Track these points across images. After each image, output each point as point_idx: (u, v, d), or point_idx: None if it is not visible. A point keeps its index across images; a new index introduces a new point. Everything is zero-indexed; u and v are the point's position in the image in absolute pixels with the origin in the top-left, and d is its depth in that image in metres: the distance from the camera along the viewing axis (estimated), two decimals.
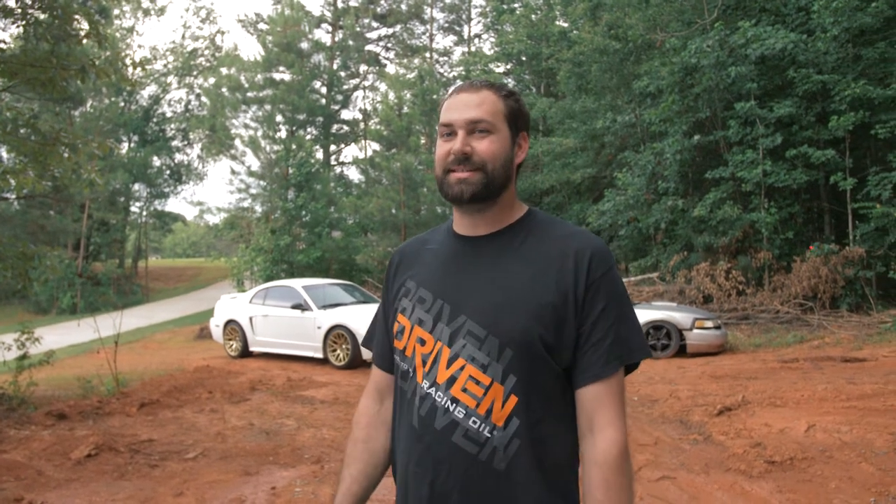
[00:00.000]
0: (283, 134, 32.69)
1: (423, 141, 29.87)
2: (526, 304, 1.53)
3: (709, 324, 11.92)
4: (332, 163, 37.35)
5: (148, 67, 38.04)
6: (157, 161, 40.15)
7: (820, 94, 15.39)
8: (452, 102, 1.64)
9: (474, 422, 1.52)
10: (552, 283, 1.54)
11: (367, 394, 1.87)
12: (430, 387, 1.58)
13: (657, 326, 11.93)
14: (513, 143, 1.65)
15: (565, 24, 23.61)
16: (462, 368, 1.54)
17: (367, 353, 11.72)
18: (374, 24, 38.57)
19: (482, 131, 1.60)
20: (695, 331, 11.81)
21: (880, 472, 5.26)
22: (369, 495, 1.78)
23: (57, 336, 17.82)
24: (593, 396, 1.52)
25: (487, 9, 33.81)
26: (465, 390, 1.53)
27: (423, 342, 1.61)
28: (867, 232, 14.50)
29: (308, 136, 33.32)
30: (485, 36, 37.29)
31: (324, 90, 36.09)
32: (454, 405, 1.54)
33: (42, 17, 8.43)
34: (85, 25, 8.91)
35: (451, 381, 1.55)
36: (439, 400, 1.56)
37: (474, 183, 1.58)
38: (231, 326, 13.90)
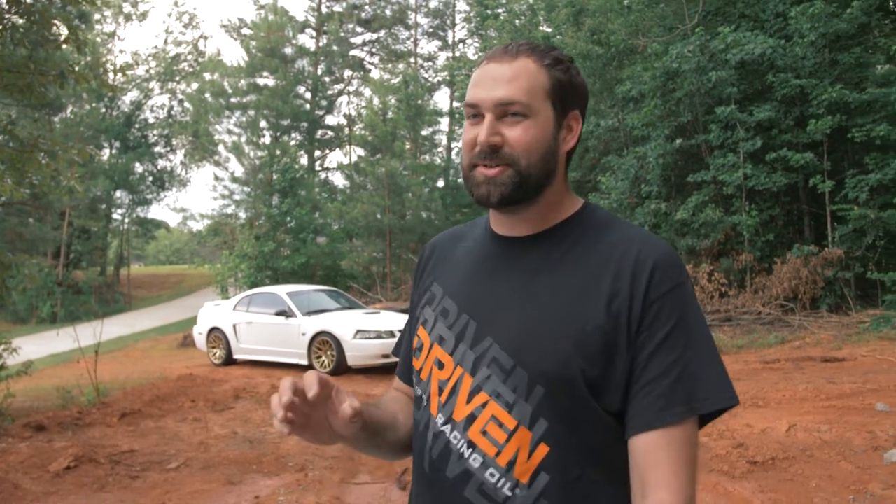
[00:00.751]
0: (267, 139, 32.63)
1: (407, 146, 29.89)
2: (565, 328, 1.19)
3: None
4: (317, 168, 37.30)
5: (129, 73, 37.86)
6: (139, 167, 39.93)
7: (798, 98, 15.53)
8: (480, 75, 1.29)
9: (492, 474, 1.21)
10: (602, 301, 1.19)
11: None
12: (444, 423, 1.28)
13: None
14: (558, 126, 1.29)
15: (549, 30, 23.67)
16: (484, 405, 1.22)
17: (352, 360, 11.72)
18: (359, 30, 38.56)
19: (515, 114, 1.24)
20: None
21: (859, 471, 5.32)
22: (380, 428, 1.39)
23: (36, 346, 17.67)
24: (645, 450, 1.16)
25: (471, 14, 33.86)
26: (485, 433, 1.22)
27: (441, 365, 1.31)
28: (845, 233, 14.65)
29: (292, 142, 33.32)
30: (469, 41, 37.36)
31: (308, 95, 36.04)
32: (470, 450, 1.23)
33: (20, 21, 8.36)
34: (64, 30, 8.86)
35: (471, 419, 1.24)
36: (454, 441, 1.25)
37: (504, 183, 1.25)
38: (214, 334, 13.84)
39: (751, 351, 12.07)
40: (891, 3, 17.72)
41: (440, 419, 1.28)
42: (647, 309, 1.18)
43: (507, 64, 1.26)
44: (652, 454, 1.15)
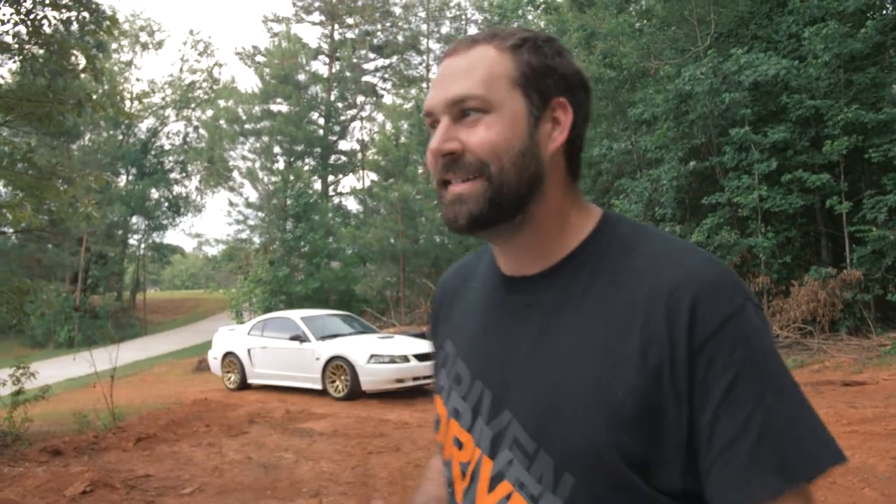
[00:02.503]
0: (280, 165, 32.92)
1: (420, 171, 29.99)
2: (593, 396, 0.92)
3: None
4: (330, 193, 37.48)
5: (146, 100, 38.36)
6: (155, 193, 40.33)
7: (813, 119, 15.47)
8: (436, 76, 1.05)
9: None
10: (634, 355, 0.91)
11: None
12: None
13: None
14: (534, 119, 1.00)
15: None
16: (508, 497, 0.99)
17: (366, 385, 11.68)
18: (371, 56, 38.90)
19: (474, 111, 0.99)
20: None
21: (884, 498, 5.22)
22: None
23: (53, 370, 17.73)
24: None
25: None
26: None
27: (460, 445, 1.08)
28: (864, 255, 14.51)
29: (306, 167, 33.53)
30: None
31: (321, 121, 36.32)
32: None
33: (39, 52, 8.50)
34: (82, 60, 8.99)
35: None
36: None
37: (473, 199, 0.99)
38: (229, 359, 13.85)
39: None
40: None
41: None
42: (694, 356, 0.89)
43: (461, 56, 1.02)
44: None
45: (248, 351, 13.50)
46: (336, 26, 38.29)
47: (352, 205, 36.63)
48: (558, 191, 1.03)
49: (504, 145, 0.98)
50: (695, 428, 0.89)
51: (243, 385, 13.56)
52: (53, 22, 8.36)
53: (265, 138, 32.36)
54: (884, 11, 16.74)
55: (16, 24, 8.02)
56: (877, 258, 14.42)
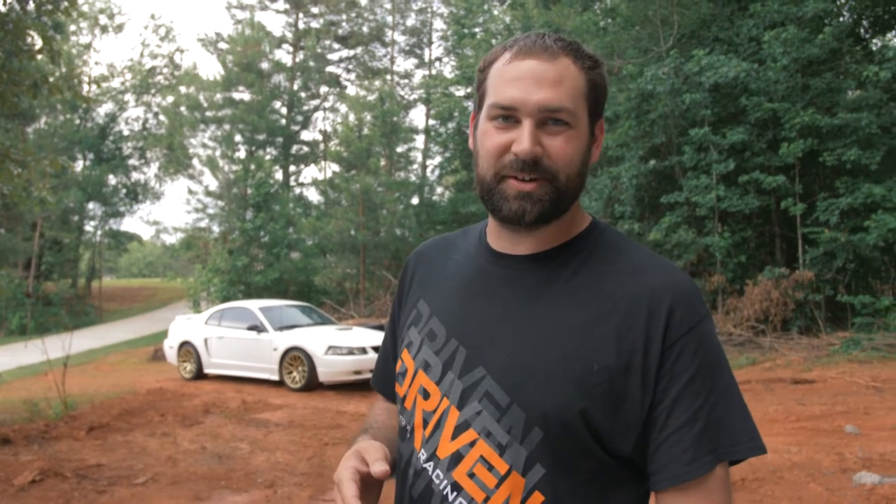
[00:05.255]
0: (241, 154, 32.56)
1: (382, 163, 29.94)
2: (570, 366, 1.06)
3: None
4: (292, 183, 37.22)
5: (104, 85, 37.65)
6: (112, 179, 39.57)
7: (771, 121, 15.76)
8: (515, 71, 1.11)
9: None
10: (611, 339, 1.07)
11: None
12: (427, 460, 1.15)
13: None
14: (591, 135, 1.16)
15: None
16: (472, 444, 1.10)
17: (323, 376, 11.66)
18: (336, 46, 38.68)
19: (558, 123, 1.09)
20: None
21: (828, 492, 5.36)
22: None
23: (4, 358, 17.40)
24: (676, 503, 1.06)
25: (448, 32, 34.09)
26: (472, 476, 1.09)
27: (426, 395, 1.17)
28: (816, 256, 14.84)
29: (267, 157, 33.25)
30: (445, 59, 37.60)
31: (284, 111, 36.03)
32: (455, 494, 1.10)
33: None
34: (38, 41, 8.81)
35: (456, 458, 1.11)
36: (437, 481, 1.13)
37: (542, 199, 1.10)
38: (185, 348, 13.69)
39: None
40: (861, 30, 18.11)
41: (423, 455, 1.16)
42: (666, 351, 1.06)
43: (548, 63, 1.10)
44: None
45: (205, 340, 13.36)
46: (301, 15, 38.00)
47: (313, 195, 36.41)
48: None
49: (575, 159, 1.12)
50: (654, 410, 1.06)
51: (199, 375, 13.42)
52: (8, 0, 8.18)
53: (226, 126, 32.01)
54: (840, 18, 17.11)
55: None
56: (828, 259, 14.76)
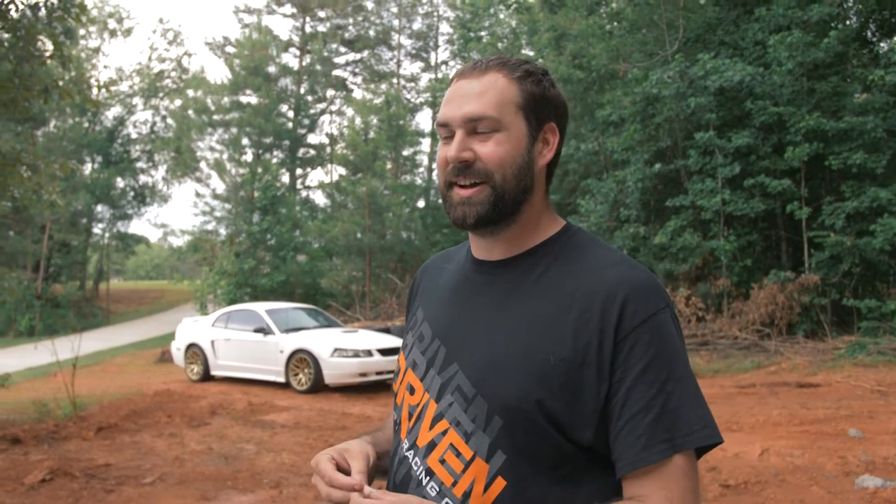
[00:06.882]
0: (248, 157, 32.66)
1: (388, 166, 29.97)
2: (529, 359, 1.15)
3: None
4: (298, 187, 37.24)
5: (113, 89, 37.76)
6: (120, 182, 39.69)
7: (776, 125, 15.76)
8: (451, 93, 1.26)
9: None
10: (568, 332, 1.14)
11: None
12: (408, 448, 1.26)
13: None
14: (532, 140, 1.24)
15: (531, 53, 23.92)
16: (444, 433, 1.20)
17: (329, 378, 11.71)
18: (342, 50, 38.71)
19: (486, 130, 1.21)
20: None
21: (830, 496, 5.39)
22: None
23: (14, 359, 17.50)
24: (634, 489, 1.12)
25: (454, 36, 34.12)
26: (443, 462, 1.19)
27: (412, 390, 1.30)
28: (822, 260, 14.84)
29: (274, 160, 33.27)
30: (451, 63, 37.55)
31: (290, 114, 36.08)
32: (428, 478, 1.20)
33: (5, 36, 8.39)
34: (49, 46, 8.90)
35: (431, 446, 1.21)
36: (415, 468, 1.23)
37: (480, 202, 1.21)
38: (193, 350, 13.77)
39: (727, 375, 12.18)
40: (868, 34, 18.11)
41: (405, 444, 1.27)
42: (619, 343, 1.12)
43: (476, 79, 1.23)
44: (642, 493, 1.11)
45: (212, 342, 13.44)
46: (308, 19, 38.06)
47: (319, 199, 36.42)
48: (540, 198, 1.28)
49: (509, 159, 1.21)
50: (611, 400, 1.13)
51: (206, 376, 13.50)
52: (21, 6, 8.27)
53: (234, 130, 32.09)
54: (847, 22, 17.12)
55: None
56: (834, 263, 14.76)
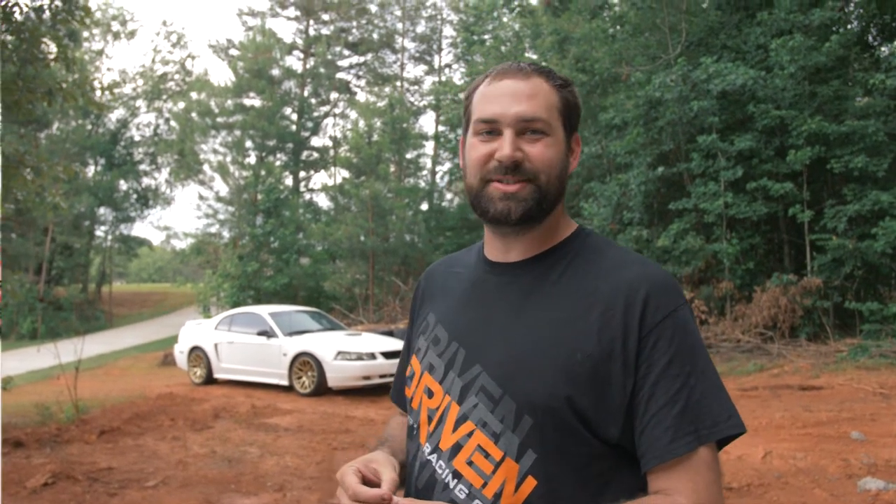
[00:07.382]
0: (252, 160, 32.72)
1: (392, 169, 29.99)
2: (554, 356, 1.16)
3: None
4: (301, 189, 37.30)
5: (116, 91, 37.85)
6: (123, 185, 39.77)
7: (778, 128, 15.76)
8: (495, 91, 1.26)
9: None
10: (593, 330, 1.17)
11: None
12: (431, 452, 1.25)
13: None
14: (567, 145, 1.29)
15: (534, 56, 23.95)
16: (470, 434, 1.20)
17: (332, 381, 11.72)
18: (346, 53, 38.77)
19: (536, 132, 1.23)
20: None
21: (832, 498, 5.39)
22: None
23: (16, 362, 17.52)
24: (662, 482, 1.13)
25: (458, 40, 34.16)
26: (470, 464, 1.19)
27: (430, 394, 1.29)
28: (824, 263, 14.82)
29: (277, 163, 33.36)
30: (455, 66, 37.62)
31: (294, 117, 36.15)
32: (456, 481, 1.19)
33: (9, 39, 8.42)
34: (53, 48, 8.92)
35: (456, 448, 1.21)
36: (440, 471, 1.22)
37: (525, 198, 1.23)
38: (196, 353, 13.79)
39: (729, 378, 12.17)
40: (869, 38, 18.11)
41: (427, 448, 1.26)
42: (643, 339, 1.15)
43: (522, 81, 1.25)
44: (668, 486, 1.12)
45: (215, 345, 13.46)
46: (311, 22, 38.12)
47: (323, 201, 36.48)
48: (562, 204, 1.32)
49: (554, 162, 1.25)
50: (636, 395, 1.15)
51: (209, 380, 13.51)
52: (25, 9, 8.30)
53: (237, 132, 32.17)
54: (848, 26, 17.12)
55: None
56: (836, 266, 14.75)
